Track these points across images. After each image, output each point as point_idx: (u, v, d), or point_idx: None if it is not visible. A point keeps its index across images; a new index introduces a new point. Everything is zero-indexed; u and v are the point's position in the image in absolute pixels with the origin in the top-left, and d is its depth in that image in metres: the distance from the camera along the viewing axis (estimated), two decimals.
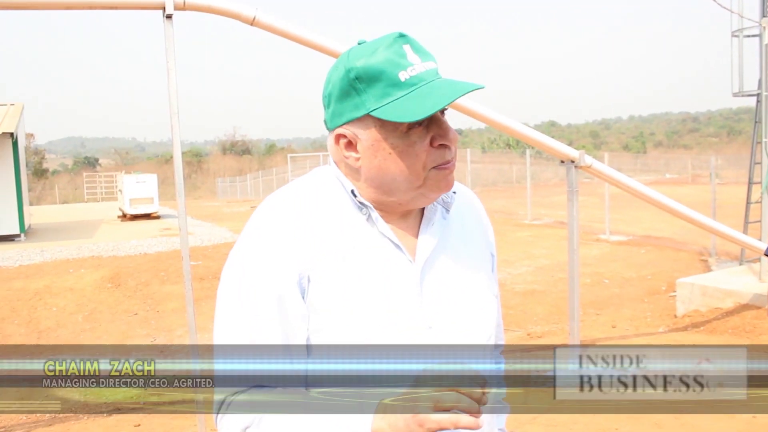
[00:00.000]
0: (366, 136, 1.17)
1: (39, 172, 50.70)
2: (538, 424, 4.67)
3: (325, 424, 1.07)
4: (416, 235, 1.25)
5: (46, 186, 48.63)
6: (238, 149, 64.81)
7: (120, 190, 24.18)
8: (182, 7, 3.93)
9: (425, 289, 1.21)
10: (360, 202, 1.21)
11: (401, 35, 1.16)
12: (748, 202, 9.71)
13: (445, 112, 1.20)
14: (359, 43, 1.20)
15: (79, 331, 8.31)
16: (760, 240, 7.27)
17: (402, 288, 1.19)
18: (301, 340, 1.16)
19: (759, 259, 8.29)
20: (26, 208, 18.93)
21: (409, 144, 1.16)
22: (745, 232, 8.89)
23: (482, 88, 1.16)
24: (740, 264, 9.47)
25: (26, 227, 18.26)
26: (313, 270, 1.15)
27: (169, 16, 3.90)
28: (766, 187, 8.60)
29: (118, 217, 23.73)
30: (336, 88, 1.18)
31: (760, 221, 8.72)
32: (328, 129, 1.23)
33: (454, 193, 1.29)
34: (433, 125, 1.17)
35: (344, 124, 1.18)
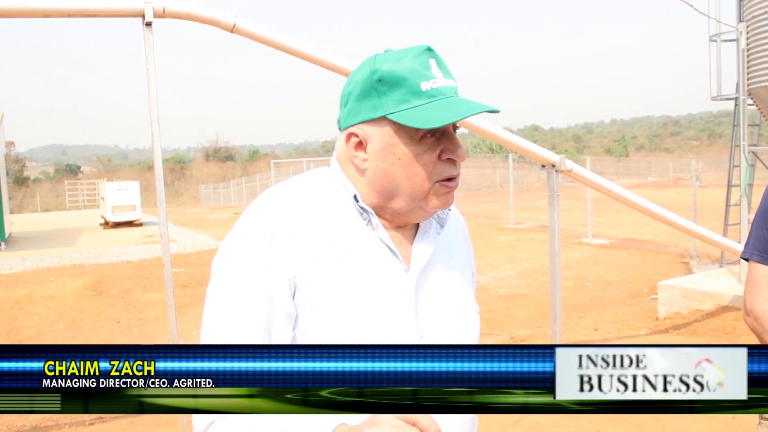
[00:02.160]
0: (378, 138, 1.17)
1: (20, 180, 50.17)
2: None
3: (291, 423, 1.03)
4: (410, 246, 1.26)
5: (27, 194, 48.15)
6: (221, 155, 64.47)
7: (102, 198, 24.00)
8: (162, 15, 3.92)
9: (419, 299, 1.22)
10: (361, 207, 1.21)
11: (429, 49, 1.18)
12: (727, 205, 9.83)
13: (458, 129, 1.22)
14: (386, 51, 1.21)
15: (60, 340, 8.23)
16: (739, 242, 7.35)
17: (397, 295, 1.19)
18: (285, 340, 1.14)
19: (739, 261, 8.38)
20: (7, 216, 18.74)
21: (418, 153, 1.17)
22: (725, 234, 8.99)
23: (497, 111, 1.18)
24: (720, 266, 9.57)
25: (7, 236, 18.09)
26: (308, 269, 1.14)
27: (148, 24, 3.89)
28: (744, 190, 8.71)
29: (101, 224, 23.56)
30: (357, 88, 1.19)
31: (739, 223, 8.82)
32: (340, 128, 1.24)
33: (449, 210, 1.32)
34: (444, 139, 1.19)
35: (358, 123, 1.19)
